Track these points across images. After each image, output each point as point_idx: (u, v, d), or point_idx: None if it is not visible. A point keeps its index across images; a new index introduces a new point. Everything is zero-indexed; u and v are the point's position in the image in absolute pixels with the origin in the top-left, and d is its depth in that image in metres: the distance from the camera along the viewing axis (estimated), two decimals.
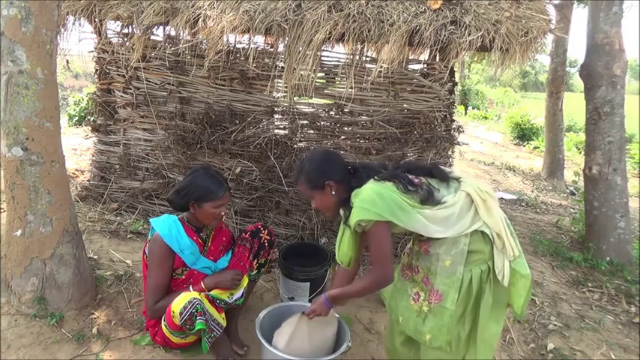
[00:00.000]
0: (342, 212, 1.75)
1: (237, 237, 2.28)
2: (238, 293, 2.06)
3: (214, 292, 1.99)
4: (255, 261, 2.22)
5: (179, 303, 1.86)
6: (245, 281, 2.12)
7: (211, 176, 2.04)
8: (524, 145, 10.75)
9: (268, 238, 2.26)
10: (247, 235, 2.23)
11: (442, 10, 2.71)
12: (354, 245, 1.72)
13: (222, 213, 2.05)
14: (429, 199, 1.59)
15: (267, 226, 2.31)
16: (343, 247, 1.74)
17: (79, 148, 5.47)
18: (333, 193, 1.69)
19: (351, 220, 1.60)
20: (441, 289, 1.63)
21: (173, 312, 1.87)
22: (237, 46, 3.03)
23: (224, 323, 1.98)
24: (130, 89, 3.39)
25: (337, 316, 1.99)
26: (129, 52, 3.22)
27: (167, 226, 2.00)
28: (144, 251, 2.08)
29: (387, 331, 1.97)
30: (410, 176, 1.65)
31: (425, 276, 1.68)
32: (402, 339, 1.83)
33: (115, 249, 3.00)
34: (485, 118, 15.17)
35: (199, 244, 2.09)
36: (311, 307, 1.83)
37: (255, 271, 2.24)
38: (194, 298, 1.86)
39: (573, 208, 5.41)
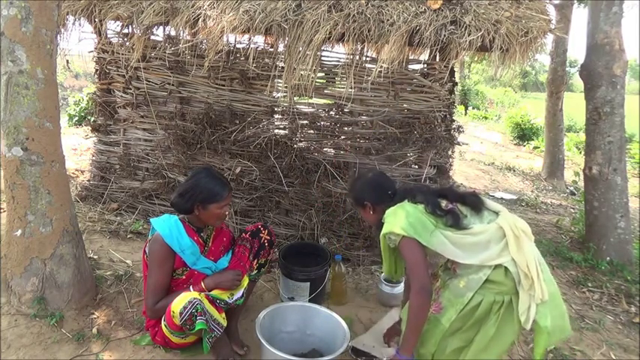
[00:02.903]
0: None
1: (237, 237, 2.28)
2: (238, 293, 2.05)
3: (214, 292, 1.99)
4: (256, 261, 2.22)
5: (179, 303, 1.85)
6: (245, 281, 2.11)
7: (214, 177, 2.04)
8: (524, 145, 10.74)
9: (268, 238, 2.26)
10: (247, 235, 2.23)
11: (442, 10, 2.71)
12: (388, 257, 1.89)
13: (227, 213, 2.07)
14: (453, 225, 1.67)
15: (267, 226, 2.31)
16: (384, 261, 1.93)
17: (79, 148, 5.47)
18: (372, 212, 1.90)
19: (382, 233, 1.74)
20: (444, 303, 1.69)
21: (173, 312, 1.87)
22: (237, 46, 3.03)
23: (224, 323, 1.97)
24: (130, 89, 3.39)
25: None
26: (129, 52, 3.22)
27: (168, 226, 2.00)
28: (144, 251, 2.08)
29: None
30: (443, 202, 1.75)
31: (439, 287, 1.76)
32: None
33: (115, 249, 3.00)
34: (486, 118, 15.16)
35: (200, 244, 2.09)
36: None
37: (255, 271, 2.24)
38: (194, 298, 1.86)
39: (573, 208, 5.41)
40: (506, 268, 1.60)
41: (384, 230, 1.72)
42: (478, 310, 1.62)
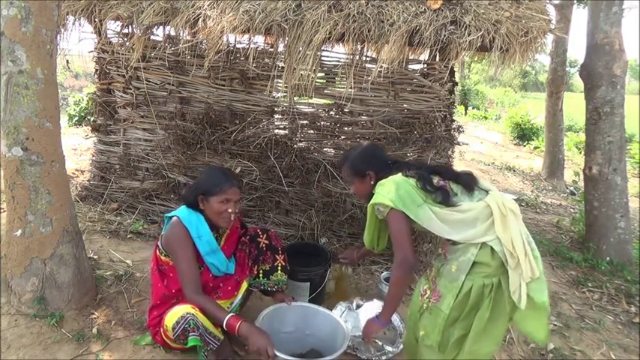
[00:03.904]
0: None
1: (240, 240, 2.25)
2: (236, 300, 2.07)
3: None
4: (256, 267, 2.18)
5: (172, 317, 1.83)
6: (244, 287, 2.11)
7: (221, 171, 2.04)
8: (524, 145, 10.74)
9: (267, 242, 2.20)
10: (246, 240, 2.22)
11: (442, 10, 2.71)
12: (372, 227, 1.91)
13: (230, 210, 1.97)
14: (442, 202, 1.69)
15: (267, 230, 2.25)
16: (367, 231, 1.94)
17: (79, 148, 5.47)
18: (372, 182, 1.87)
19: (370, 203, 1.77)
20: (441, 291, 1.70)
21: (166, 326, 1.85)
22: (237, 46, 3.03)
23: (221, 336, 1.91)
24: (130, 89, 3.39)
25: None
26: (129, 52, 3.22)
27: (187, 211, 1.99)
28: (156, 248, 2.04)
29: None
30: (435, 178, 1.75)
31: (435, 276, 1.77)
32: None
33: (115, 249, 3.00)
34: (485, 118, 15.17)
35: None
36: (366, 332, 1.85)
37: (264, 279, 2.18)
38: (187, 313, 1.81)
39: (573, 208, 5.41)
40: (492, 248, 1.61)
41: (372, 201, 1.75)
42: (471, 295, 1.63)
